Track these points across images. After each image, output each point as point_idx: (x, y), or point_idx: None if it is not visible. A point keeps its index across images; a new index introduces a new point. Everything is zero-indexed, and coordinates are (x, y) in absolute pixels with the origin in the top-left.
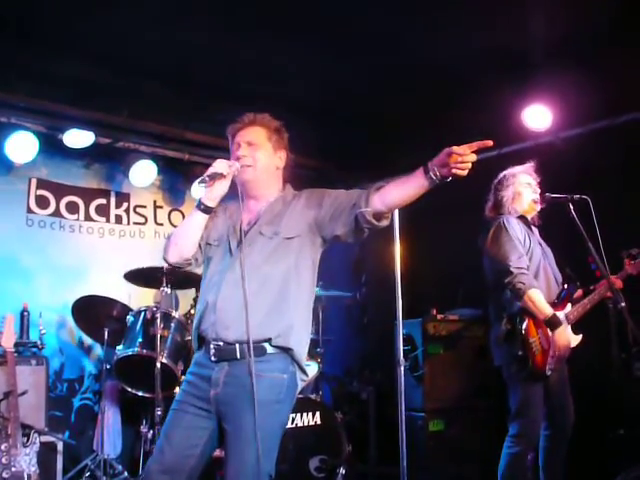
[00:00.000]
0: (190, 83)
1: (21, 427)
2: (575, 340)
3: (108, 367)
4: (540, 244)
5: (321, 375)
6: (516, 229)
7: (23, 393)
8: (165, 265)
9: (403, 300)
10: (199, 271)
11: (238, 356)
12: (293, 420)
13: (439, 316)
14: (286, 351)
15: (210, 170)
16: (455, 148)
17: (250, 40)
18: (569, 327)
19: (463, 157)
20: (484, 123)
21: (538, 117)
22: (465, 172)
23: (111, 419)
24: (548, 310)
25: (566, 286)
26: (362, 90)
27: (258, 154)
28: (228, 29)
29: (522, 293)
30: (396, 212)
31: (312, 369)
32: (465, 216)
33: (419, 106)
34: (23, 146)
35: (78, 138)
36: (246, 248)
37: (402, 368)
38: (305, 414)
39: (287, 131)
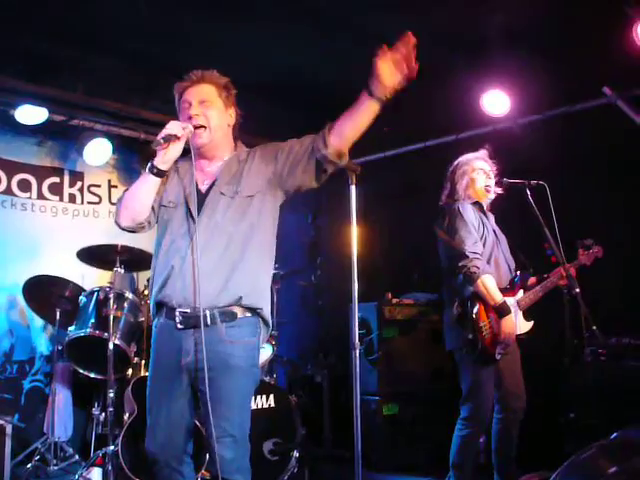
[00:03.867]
0: (147, 61)
1: None
2: (526, 326)
3: (60, 348)
4: (494, 230)
5: (275, 358)
6: (471, 215)
7: None
8: (119, 244)
9: (358, 283)
10: None
11: (208, 322)
12: None
13: (394, 300)
14: (255, 312)
15: (164, 132)
16: (382, 51)
17: (209, 18)
18: (520, 313)
19: (400, 51)
20: (442, 108)
21: (496, 103)
22: (413, 70)
23: (62, 401)
24: (499, 297)
25: (519, 273)
26: (318, 71)
27: (210, 112)
28: (186, 7)
29: (476, 277)
30: (353, 195)
31: (266, 351)
32: (421, 201)
33: None
34: None
35: (31, 114)
36: (208, 210)
37: (357, 352)
38: (259, 397)
39: (243, 108)
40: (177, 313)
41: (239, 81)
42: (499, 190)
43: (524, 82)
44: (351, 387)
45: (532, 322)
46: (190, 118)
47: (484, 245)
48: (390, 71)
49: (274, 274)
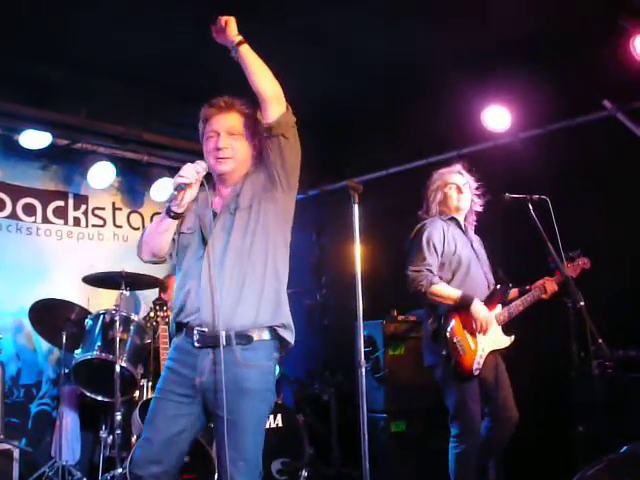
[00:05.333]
0: (149, 84)
1: None
2: (506, 341)
3: (66, 372)
4: (472, 245)
5: (282, 377)
6: (438, 232)
7: None
8: (124, 270)
9: (363, 301)
10: (159, 275)
11: (224, 343)
12: None
13: (400, 317)
14: (273, 332)
15: (178, 180)
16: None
17: (209, 40)
18: (499, 328)
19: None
20: (443, 124)
21: (497, 118)
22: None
23: (70, 424)
24: (455, 293)
25: (498, 287)
26: (319, 91)
27: (237, 144)
28: (186, 28)
29: (423, 294)
30: (356, 214)
31: None
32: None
33: (377, 108)
34: None
35: (35, 139)
36: (218, 230)
37: (363, 370)
38: None
39: None
40: (195, 331)
41: None
42: (479, 203)
43: (524, 97)
44: (358, 405)
45: (513, 336)
46: (218, 149)
47: (459, 261)
48: (219, 34)
49: None
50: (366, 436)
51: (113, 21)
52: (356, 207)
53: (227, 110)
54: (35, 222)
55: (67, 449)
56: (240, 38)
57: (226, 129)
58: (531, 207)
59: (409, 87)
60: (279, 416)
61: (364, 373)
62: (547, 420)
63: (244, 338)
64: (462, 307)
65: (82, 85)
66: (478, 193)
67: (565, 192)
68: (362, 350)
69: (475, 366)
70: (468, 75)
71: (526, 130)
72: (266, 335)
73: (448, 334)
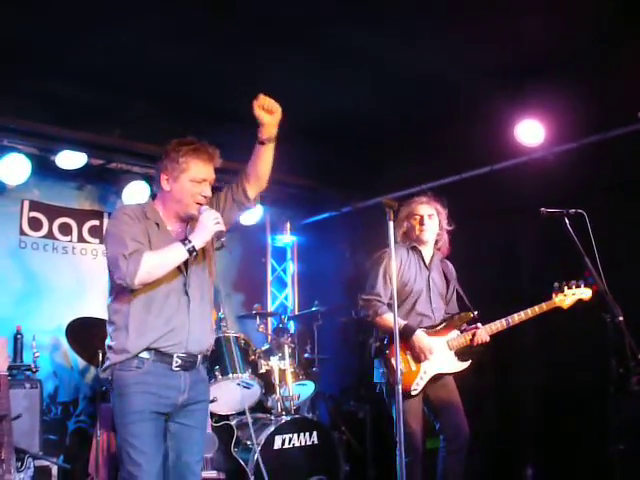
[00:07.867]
0: (182, 103)
1: (15, 451)
2: (458, 366)
3: (103, 389)
4: (429, 276)
5: (317, 394)
6: (396, 262)
7: (17, 417)
8: None
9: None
10: None
11: (198, 365)
12: (290, 440)
13: None
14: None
15: (219, 227)
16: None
17: (242, 60)
18: (452, 353)
19: (262, 99)
20: (477, 139)
21: (531, 132)
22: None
23: (106, 442)
24: (399, 323)
25: (457, 315)
26: (351, 107)
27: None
28: (220, 48)
29: (371, 322)
30: (391, 231)
31: (308, 388)
32: (457, 234)
33: (410, 123)
34: (15, 168)
35: (70, 159)
36: (192, 264)
37: (400, 387)
38: (302, 434)
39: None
40: (175, 357)
41: None
42: (447, 228)
43: (558, 110)
44: (394, 422)
45: (468, 362)
46: (205, 197)
47: (408, 292)
48: (267, 116)
49: (316, 311)
50: (403, 453)
51: (146, 40)
52: (391, 224)
53: (213, 160)
54: (71, 241)
55: (104, 467)
56: (275, 134)
57: (211, 179)
58: (567, 221)
59: (441, 102)
60: (315, 433)
61: (400, 390)
62: (586, 437)
63: (205, 358)
64: (403, 336)
65: (116, 105)
66: (449, 222)
67: (600, 206)
68: (399, 367)
69: (413, 387)
70: (501, 89)
71: (560, 144)
72: None
73: (387, 353)
